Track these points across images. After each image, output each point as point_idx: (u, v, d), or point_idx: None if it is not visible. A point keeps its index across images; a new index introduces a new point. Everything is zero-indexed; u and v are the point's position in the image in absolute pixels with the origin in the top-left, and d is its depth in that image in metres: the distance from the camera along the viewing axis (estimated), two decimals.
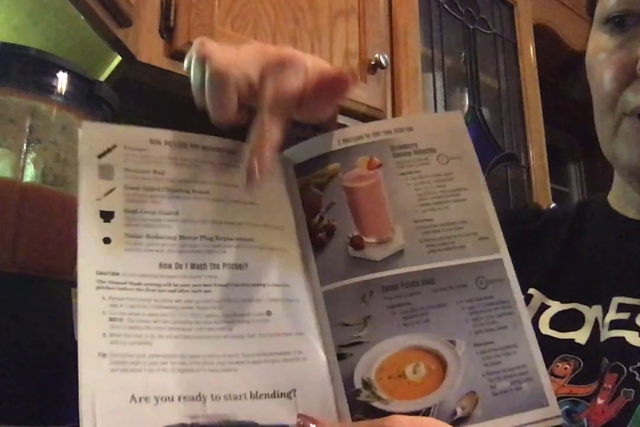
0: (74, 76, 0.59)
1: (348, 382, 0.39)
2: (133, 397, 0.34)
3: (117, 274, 0.38)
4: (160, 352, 0.36)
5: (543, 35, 1.76)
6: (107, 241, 0.39)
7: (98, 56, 0.95)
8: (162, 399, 0.35)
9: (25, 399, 0.47)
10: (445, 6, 1.53)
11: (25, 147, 0.54)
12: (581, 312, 0.55)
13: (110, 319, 0.36)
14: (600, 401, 0.47)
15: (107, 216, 0.39)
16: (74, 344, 0.50)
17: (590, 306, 0.54)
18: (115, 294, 0.37)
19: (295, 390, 0.38)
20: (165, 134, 0.43)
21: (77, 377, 0.50)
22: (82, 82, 0.59)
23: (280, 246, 0.43)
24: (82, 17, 0.85)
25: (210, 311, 0.39)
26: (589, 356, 0.51)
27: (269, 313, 0.40)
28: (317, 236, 0.44)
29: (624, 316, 0.50)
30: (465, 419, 0.38)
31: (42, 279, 0.51)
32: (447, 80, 1.49)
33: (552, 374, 0.51)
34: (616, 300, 0.52)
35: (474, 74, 1.57)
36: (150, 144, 0.43)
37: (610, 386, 0.47)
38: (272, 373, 0.38)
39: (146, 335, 0.37)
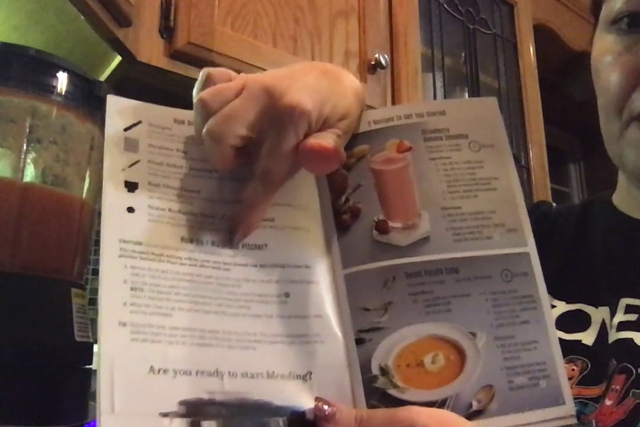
0: (74, 76, 0.58)
1: (365, 367, 0.39)
2: (152, 368, 0.34)
3: (140, 243, 0.38)
4: (180, 325, 0.36)
5: (543, 35, 1.76)
6: (130, 210, 0.39)
7: (98, 56, 0.95)
8: (180, 372, 0.35)
9: (25, 399, 0.47)
10: (445, 6, 1.53)
11: (25, 147, 0.54)
12: (587, 313, 0.55)
13: (132, 289, 0.36)
14: (608, 402, 0.47)
15: (131, 186, 0.40)
16: (74, 344, 0.50)
17: (597, 307, 0.54)
18: (138, 264, 0.37)
19: (311, 373, 0.38)
20: (189, 115, 0.43)
21: (78, 377, 0.51)
22: (82, 82, 0.59)
23: (303, 225, 0.43)
24: (82, 17, 0.85)
25: (229, 289, 0.39)
26: (597, 358, 0.51)
27: (287, 295, 0.40)
28: (341, 218, 0.43)
29: (632, 317, 0.50)
30: (480, 412, 0.38)
31: (42, 278, 0.51)
32: (447, 80, 1.49)
33: None
34: (624, 301, 0.52)
35: (474, 74, 1.57)
36: (175, 123, 0.43)
37: (618, 387, 0.47)
38: (289, 354, 0.38)
39: (167, 307, 0.37)
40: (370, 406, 0.38)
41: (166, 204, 0.40)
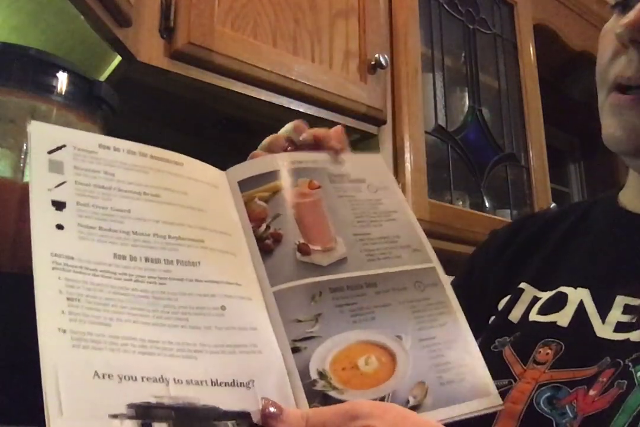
0: (74, 76, 0.59)
1: (304, 373, 0.41)
2: (96, 373, 0.34)
3: (72, 258, 0.38)
4: (119, 334, 0.36)
5: (543, 35, 1.75)
6: (60, 227, 0.39)
7: (98, 56, 0.95)
8: (125, 377, 0.35)
9: (25, 399, 0.47)
10: (445, 6, 1.53)
11: (25, 147, 0.54)
12: (565, 293, 0.55)
13: (68, 299, 0.36)
14: (592, 392, 0.47)
15: (59, 205, 0.40)
16: None
17: (575, 288, 0.55)
18: (72, 276, 0.37)
19: (253, 381, 0.39)
20: (114, 141, 0.45)
21: None
22: (82, 82, 0.59)
23: (229, 250, 0.45)
24: (82, 17, 0.85)
25: (166, 302, 0.39)
26: (573, 342, 0.51)
27: (223, 308, 0.41)
28: (264, 243, 0.47)
29: (632, 318, 0.50)
30: (417, 407, 0.41)
31: None
32: (447, 80, 1.49)
33: (534, 360, 0.52)
34: (621, 299, 0.51)
35: (474, 74, 1.57)
36: (100, 148, 0.44)
37: (605, 379, 0.47)
38: (231, 363, 0.39)
39: (104, 317, 0.37)
40: (313, 407, 0.40)
41: (96, 222, 0.40)
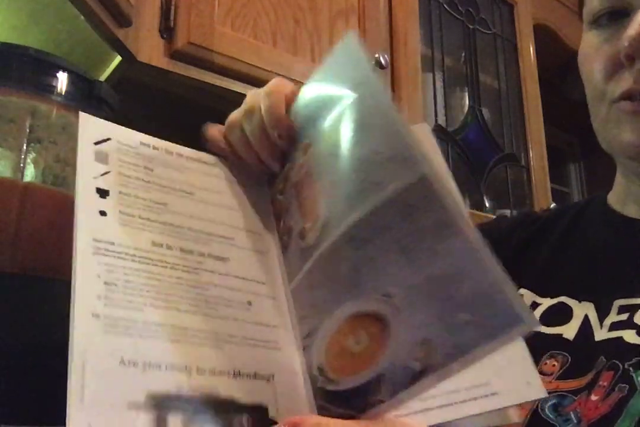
0: (74, 76, 0.59)
1: (309, 371, 0.40)
2: (122, 360, 0.35)
3: (113, 243, 0.39)
4: (151, 320, 0.38)
5: (543, 35, 1.75)
6: (103, 213, 0.41)
7: (98, 56, 0.95)
8: (149, 365, 0.36)
9: (25, 399, 0.47)
10: (445, 6, 1.53)
11: (25, 147, 0.54)
12: (569, 306, 0.55)
13: (106, 283, 0.37)
14: (594, 397, 0.47)
15: (103, 193, 0.42)
16: None
17: (579, 301, 0.55)
18: (111, 261, 0.38)
19: (273, 375, 0.40)
20: (153, 140, 0.47)
21: None
22: (82, 82, 0.59)
23: (258, 248, 0.46)
24: (82, 17, 0.85)
25: (198, 291, 0.41)
26: (578, 353, 0.51)
27: (250, 303, 0.43)
28: (283, 239, 0.46)
29: (624, 316, 0.51)
30: (425, 371, 0.31)
31: (43, 278, 0.51)
32: (447, 80, 1.49)
33: (540, 371, 0.52)
34: (618, 302, 0.52)
35: (474, 74, 1.57)
36: (140, 145, 0.46)
37: (605, 384, 0.47)
38: (254, 356, 0.40)
39: (139, 302, 0.38)
40: (318, 406, 0.38)
41: (136, 211, 0.42)
